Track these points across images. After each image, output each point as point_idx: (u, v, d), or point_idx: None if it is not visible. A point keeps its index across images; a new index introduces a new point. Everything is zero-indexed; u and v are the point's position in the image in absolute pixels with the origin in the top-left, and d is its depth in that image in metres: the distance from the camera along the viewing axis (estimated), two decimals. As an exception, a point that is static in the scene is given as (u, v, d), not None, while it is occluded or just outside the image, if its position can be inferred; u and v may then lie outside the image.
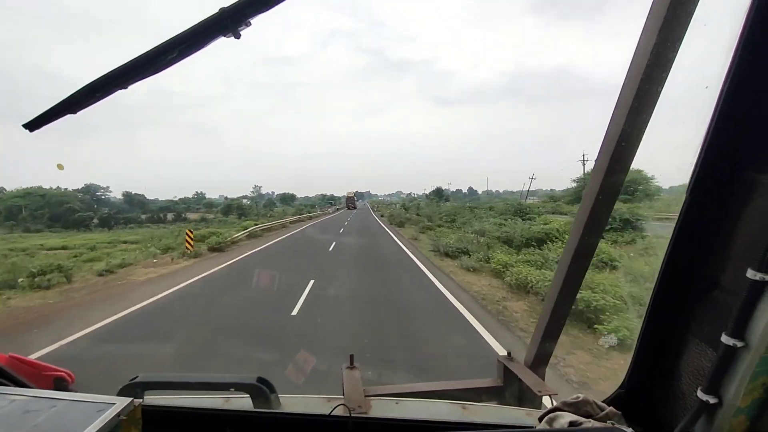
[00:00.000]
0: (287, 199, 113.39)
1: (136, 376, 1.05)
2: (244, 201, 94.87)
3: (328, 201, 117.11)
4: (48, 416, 0.79)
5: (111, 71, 0.70)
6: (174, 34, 0.67)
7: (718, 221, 0.72)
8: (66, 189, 66.03)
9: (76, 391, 0.91)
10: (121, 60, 0.70)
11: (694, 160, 0.71)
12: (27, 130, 0.74)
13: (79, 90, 0.71)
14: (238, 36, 0.69)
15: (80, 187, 72.83)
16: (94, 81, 0.70)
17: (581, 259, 1.19)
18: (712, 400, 0.71)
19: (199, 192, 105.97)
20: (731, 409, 0.71)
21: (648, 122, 0.97)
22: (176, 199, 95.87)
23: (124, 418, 0.82)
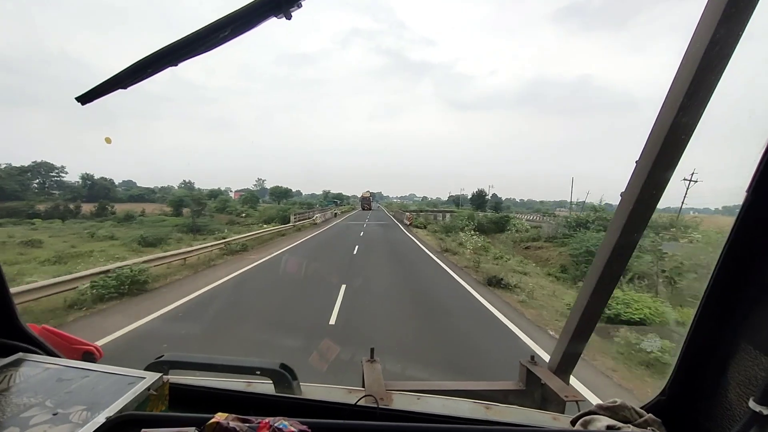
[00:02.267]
0: (281, 194, 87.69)
1: (162, 355, 1.06)
2: (230, 194, 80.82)
3: (332, 200, 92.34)
4: (81, 385, 0.80)
5: (162, 48, 0.71)
6: (227, 12, 0.68)
7: None
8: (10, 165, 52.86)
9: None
10: (171, 39, 0.71)
11: (759, 157, 0.67)
12: (79, 103, 0.76)
13: (131, 65, 0.73)
14: (289, 17, 0.70)
15: (27, 165, 57.59)
16: (146, 57, 0.72)
17: (616, 262, 1.16)
18: (766, 411, 0.67)
19: (187, 181, 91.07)
20: None
21: (696, 126, 0.95)
22: (156, 188, 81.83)
23: (154, 392, 0.82)
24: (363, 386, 1.22)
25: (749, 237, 0.71)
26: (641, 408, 0.83)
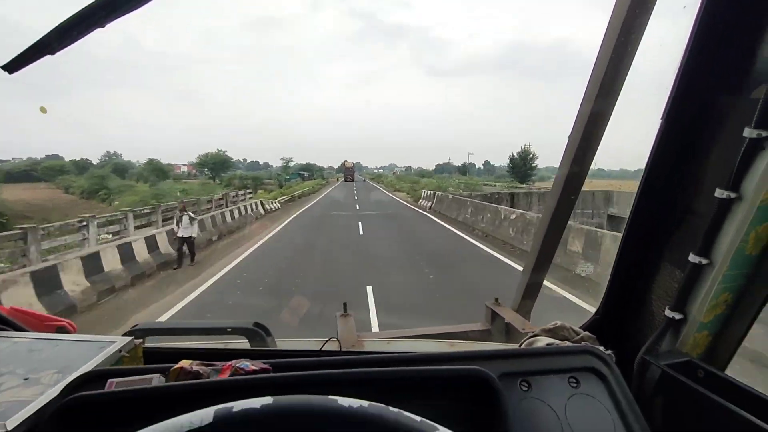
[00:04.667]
0: (216, 165, 58.88)
1: (137, 324, 1.09)
2: (182, 168, 67.83)
3: (297, 173, 69.74)
4: (53, 353, 0.83)
5: (85, 7, 0.69)
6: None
7: (690, 146, 0.75)
8: None
9: None
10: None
11: (670, 86, 0.73)
12: (6, 72, 0.74)
13: (55, 28, 0.70)
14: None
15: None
16: (70, 18, 0.70)
17: (564, 202, 1.23)
18: (677, 317, 0.76)
19: (111, 152, 74.08)
20: (695, 325, 0.76)
21: (609, 117, 1.04)
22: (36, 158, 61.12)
23: (126, 354, 0.86)
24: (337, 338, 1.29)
25: (663, 163, 0.78)
26: (579, 327, 0.92)
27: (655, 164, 0.78)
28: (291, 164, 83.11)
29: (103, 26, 0.73)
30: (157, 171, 51.22)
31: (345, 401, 0.40)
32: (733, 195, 0.65)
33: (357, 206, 24.16)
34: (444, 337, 1.36)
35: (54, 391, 0.69)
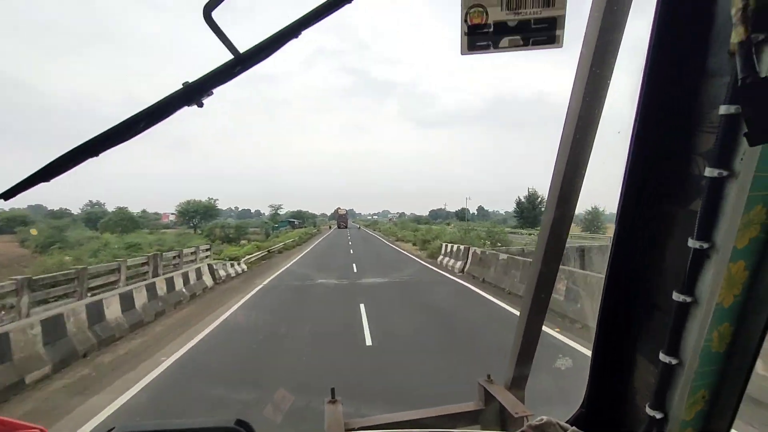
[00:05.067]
0: (197, 213, 54.84)
1: (113, 427, 1.05)
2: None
3: (287, 221, 65.18)
4: (22, 478, 0.79)
5: (83, 143, 0.75)
6: (140, 109, 0.73)
7: (644, 248, 0.80)
8: None
9: None
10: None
11: (618, 195, 0.79)
12: (2, 200, 0.78)
13: (53, 161, 0.76)
14: (201, 105, 0.76)
15: None
16: (68, 152, 0.76)
17: (546, 278, 1.26)
18: (658, 416, 0.77)
19: (93, 201, 65.59)
20: (676, 423, 0.76)
21: (587, 162, 1.08)
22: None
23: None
24: (324, 428, 1.25)
25: (623, 263, 0.82)
26: (566, 421, 0.91)
27: (615, 262, 0.82)
28: (281, 212, 77.78)
29: (97, 155, 0.79)
30: (126, 220, 43.25)
31: None
32: (688, 299, 0.69)
33: (354, 266, 16.73)
34: (436, 421, 1.31)
35: None
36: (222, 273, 14.19)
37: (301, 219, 79.92)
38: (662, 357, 0.74)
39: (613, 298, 0.84)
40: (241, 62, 0.71)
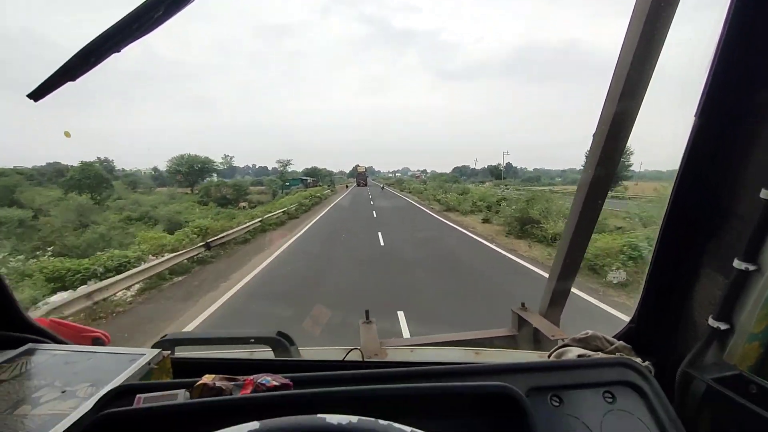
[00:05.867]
0: (191, 170, 45.82)
1: (165, 335, 1.13)
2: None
3: (298, 179, 55.86)
4: (86, 365, 0.87)
5: (101, 34, 0.71)
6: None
7: (728, 144, 0.68)
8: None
9: None
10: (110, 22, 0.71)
11: (703, 81, 0.66)
12: (32, 100, 0.77)
13: (74, 55, 0.73)
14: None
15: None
16: (87, 45, 0.72)
17: (591, 206, 1.17)
18: (723, 326, 0.70)
19: (101, 158, 50.35)
20: (744, 335, 0.70)
21: (636, 114, 1.00)
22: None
23: (155, 366, 0.89)
24: (360, 346, 1.28)
25: (699, 163, 0.71)
26: (613, 336, 0.87)
27: (691, 163, 0.72)
28: (291, 168, 65.05)
29: (119, 51, 0.75)
30: (92, 178, 31.80)
31: (334, 418, 0.40)
32: None
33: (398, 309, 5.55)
34: (469, 344, 1.32)
35: (87, 405, 0.72)
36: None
37: (315, 176, 69.09)
38: (736, 263, 0.66)
39: (682, 207, 0.75)
40: None
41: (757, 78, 0.65)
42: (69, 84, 0.77)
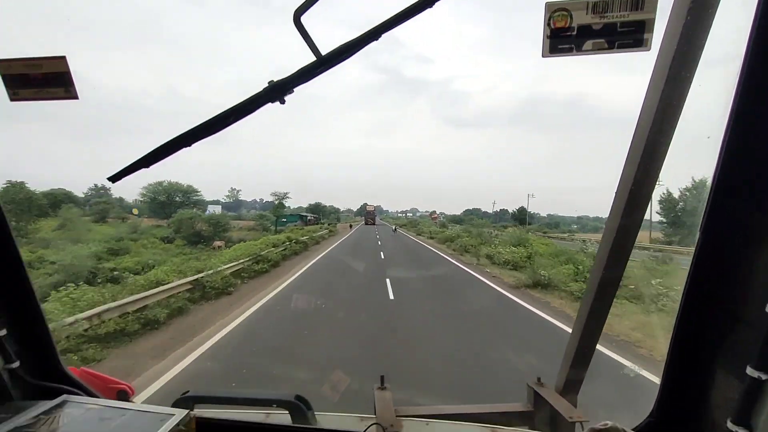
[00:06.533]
0: (172, 203, 39.64)
1: (188, 391, 1.18)
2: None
3: (298, 215, 53.71)
4: (119, 424, 0.92)
5: (179, 135, 0.84)
6: (231, 104, 0.81)
7: (732, 258, 0.75)
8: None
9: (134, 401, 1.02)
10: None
11: (706, 198, 0.75)
12: (110, 182, 0.90)
13: (153, 150, 0.86)
14: (283, 102, 0.82)
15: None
16: (166, 143, 0.85)
17: (608, 284, 1.21)
18: (742, 430, 0.73)
19: (98, 185, 51.86)
20: None
21: (660, 168, 1.02)
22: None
23: (183, 428, 0.93)
24: (375, 413, 1.30)
25: (708, 271, 0.78)
26: (633, 429, 0.90)
27: (699, 271, 0.78)
28: (287, 202, 55.25)
29: (190, 146, 0.88)
30: (23, 201, 26.33)
31: None
32: None
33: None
34: (484, 417, 1.33)
35: None
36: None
37: (317, 213, 63.23)
38: (749, 371, 0.70)
39: (695, 305, 0.81)
40: (323, 63, 0.76)
41: (759, 196, 0.72)
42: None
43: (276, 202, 49.69)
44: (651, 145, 1.01)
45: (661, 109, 0.97)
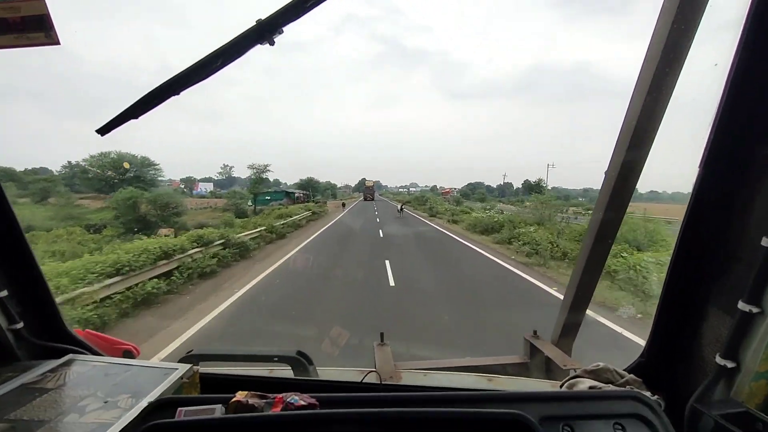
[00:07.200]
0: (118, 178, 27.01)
1: (192, 350, 1.19)
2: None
3: (282, 192, 46.05)
4: (125, 377, 0.93)
5: (165, 81, 0.81)
6: (217, 47, 0.77)
7: (731, 194, 0.74)
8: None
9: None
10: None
11: (707, 135, 0.73)
12: (99, 135, 0.87)
13: (140, 99, 0.83)
14: (272, 43, 0.78)
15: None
16: (152, 91, 0.82)
17: (604, 237, 1.21)
18: (730, 365, 0.74)
19: (72, 162, 38.76)
20: (750, 374, 0.73)
21: (660, 121, 1.02)
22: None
23: (186, 380, 0.95)
24: (375, 368, 1.32)
25: (705, 209, 0.77)
26: (624, 370, 0.90)
27: (696, 209, 0.77)
28: (268, 175, 43.97)
29: (178, 94, 0.84)
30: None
31: None
32: None
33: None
34: (481, 369, 1.35)
35: (130, 415, 0.77)
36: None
37: (307, 190, 54.39)
38: (741, 305, 0.70)
39: (690, 248, 0.80)
40: None
41: (759, 131, 0.71)
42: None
43: (253, 177, 39.32)
44: (644, 116, 1.05)
45: (654, 83, 0.99)
